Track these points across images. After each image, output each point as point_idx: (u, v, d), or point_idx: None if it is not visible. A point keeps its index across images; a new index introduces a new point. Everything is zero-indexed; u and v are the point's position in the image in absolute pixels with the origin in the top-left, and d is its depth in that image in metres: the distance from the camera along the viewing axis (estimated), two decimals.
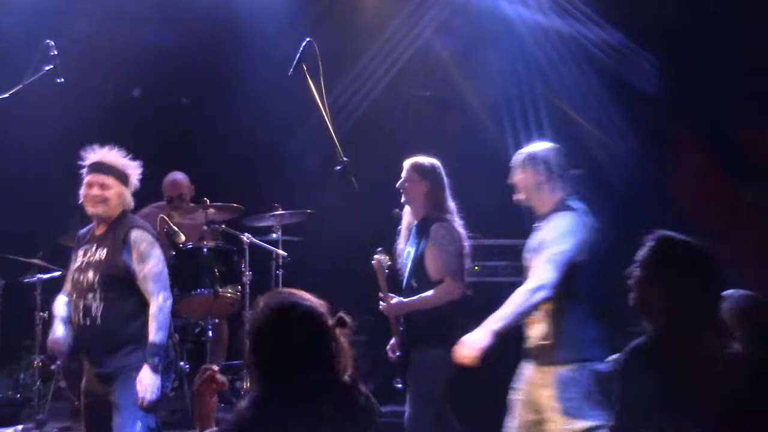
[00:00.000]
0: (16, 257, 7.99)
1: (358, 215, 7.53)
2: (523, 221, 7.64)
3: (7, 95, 6.98)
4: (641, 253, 3.74)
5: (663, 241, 3.71)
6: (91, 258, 5.66)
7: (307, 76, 6.91)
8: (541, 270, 5.04)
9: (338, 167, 6.81)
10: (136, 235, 5.73)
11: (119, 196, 5.74)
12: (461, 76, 8.79)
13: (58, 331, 5.68)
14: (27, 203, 8.68)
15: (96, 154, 5.82)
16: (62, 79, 7.08)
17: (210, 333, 7.35)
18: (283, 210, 7.79)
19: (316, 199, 8.01)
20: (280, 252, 7.75)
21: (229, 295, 7.22)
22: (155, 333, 5.47)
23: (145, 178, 6.75)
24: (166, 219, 7.55)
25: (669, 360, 3.53)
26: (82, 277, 5.63)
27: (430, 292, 6.03)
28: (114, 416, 5.44)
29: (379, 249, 6.30)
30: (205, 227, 7.76)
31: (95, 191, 5.68)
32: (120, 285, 5.61)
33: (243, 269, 7.64)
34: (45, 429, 7.39)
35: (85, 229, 5.96)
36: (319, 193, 7.90)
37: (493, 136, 8.42)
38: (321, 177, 7.74)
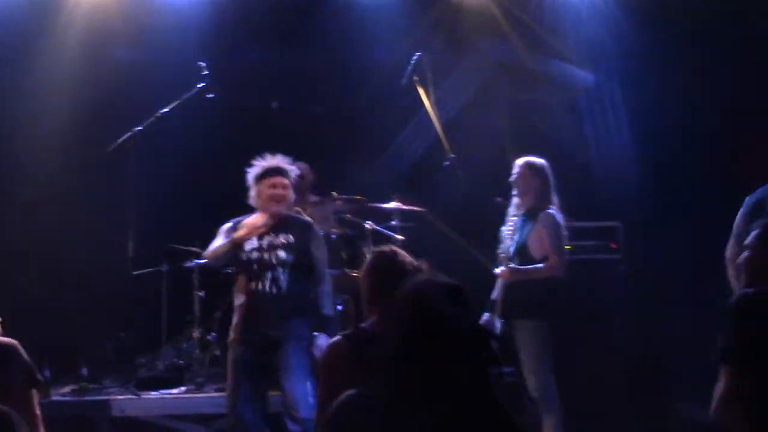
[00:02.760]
0: (178, 246, 8.30)
1: (462, 202, 7.88)
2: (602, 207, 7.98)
3: (167, 109, 7.54)
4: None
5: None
6: (276, 241, 6.26)
7: (418, 85, 7.35)
8: None
9: (446, 163, 7.26)
10: (316, 229, 6.47)
11: (292, 194, 6.42)
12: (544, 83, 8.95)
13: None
14: (186, 201, 8.97)
15: (271, 160, 6.47)
16: (213, 95, 7.62)
17: (340, 307, 7.56)
18: (400, 201, 7.99)
19: (427, 190, 8.33)
20: (398, 237, 7.95)
21: (354, 274, 7.47)
22: (329, 308, 6.27)
23: None
24: (300, 212, 7.99)
25: None
26: (268, 256, 6.21)
27: (540, 265, 6.43)
28: (282, 377, 6.03)
29: (499, 198, 6.86)
30: (333, 216, 8.13)
31: (279, 191, 6.34)
32: (301, 265, 6.25)
33: (366, 252, 7.92)
34: (204, 390, 7.56)
35: (237, 220, 6.49)
36: (429, 183, 8.27)
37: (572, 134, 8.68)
38: (431, 170, 8.07)
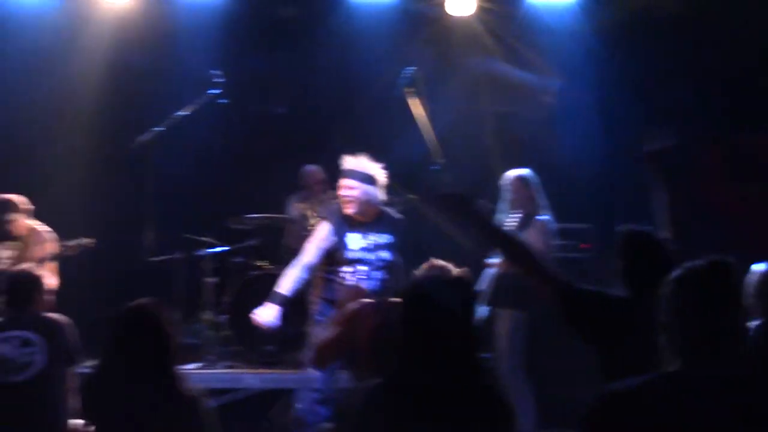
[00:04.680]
0: (192, 236, 8.48)
1: None
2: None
3: (184, 113, 7.80)
4: None
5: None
6: (380, 241, 6.19)
7: (411, 96, 7.60)
8: None
9: (434, 167, 7.52)
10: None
11: (363, 193, 6.15)
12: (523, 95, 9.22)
13: (270, 314, 6.04)
14: (199, 195, 9.21)
15: (347, 162, 6.24)
16: (225, 101, 7.88)
17: None
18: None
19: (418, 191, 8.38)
20: None
21: None
22: None
23: (288, 174, 7.34)
24: (299, 206, 8.26)
25: None
26: (373, 257, 6.15)
27: None
28: None
29: (482, 201, 6.91)
30: None
31: (345, 193, 6.13)
32: (395, 262, 6.26)
33: None
34: (215, 366, 7.84)
35: (334, 209, 6.32)
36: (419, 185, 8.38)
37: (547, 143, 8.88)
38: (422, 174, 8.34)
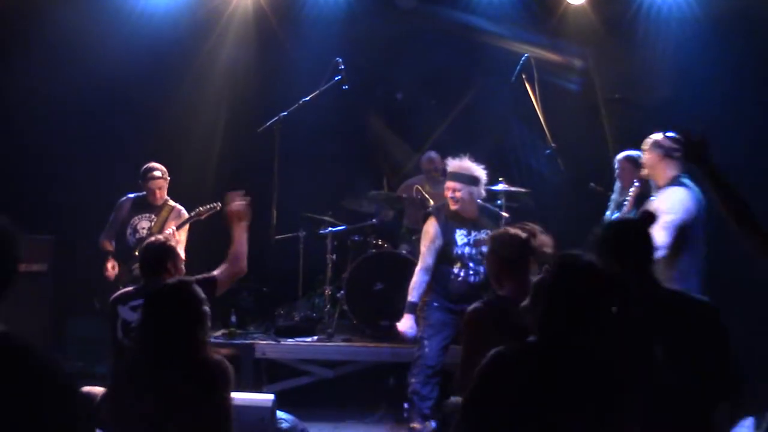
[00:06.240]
0: (314, 215, 8.64)
1: (560, 187, 8.08)
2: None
3: (308, 98, 7.94)
4: None
5: None
6: (480, 237, 6.43)
7: (526, 82, 7.57)
8: (657, 234, 4.93)
9: (548, 151, 7.48)
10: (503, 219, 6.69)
11: (467, 194, 6.46)
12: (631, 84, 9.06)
13: (408, 324, 6.35)
14: (320, 175, 9.31)
15: (453, 163, 6.55)
16: (347, 86, 7.99)
17: None
18: (506, 183, 8.31)
19: (530, 175, 8.57)
20: (504, 214, 8.09)
21: None
22: None
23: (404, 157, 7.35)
24: (420, 189, 8.31)
25: None
26: (475, 251, 6.44)
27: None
28: None
29: (592, 184, 7.24)
30: None
31: (450, 194, 6.47)
32: None
33: None
34: (333, 339, 7.92)
35: (440, 207, 6.65)
36: (532, 168, 8.50)
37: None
38: (533, 157, 8.32)
